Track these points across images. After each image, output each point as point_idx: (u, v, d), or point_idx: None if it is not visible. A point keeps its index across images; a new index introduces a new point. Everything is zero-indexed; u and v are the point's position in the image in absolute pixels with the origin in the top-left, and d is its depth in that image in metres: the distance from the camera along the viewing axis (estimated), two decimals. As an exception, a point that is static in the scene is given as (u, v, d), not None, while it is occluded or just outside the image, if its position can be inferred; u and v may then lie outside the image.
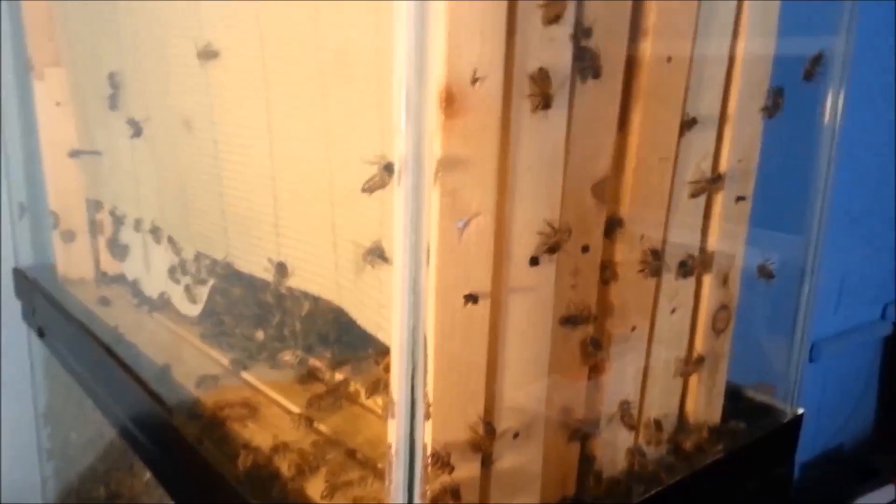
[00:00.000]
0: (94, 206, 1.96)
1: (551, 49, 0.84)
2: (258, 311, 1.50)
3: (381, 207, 0.96)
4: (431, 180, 0.71)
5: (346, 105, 1.00)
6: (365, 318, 1.04)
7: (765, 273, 1.25)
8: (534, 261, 0.90)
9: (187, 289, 1.61)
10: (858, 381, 2.44)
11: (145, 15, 1.38)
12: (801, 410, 1.34)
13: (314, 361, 1.42)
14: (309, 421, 1.24)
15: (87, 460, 1.90)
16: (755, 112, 1.17)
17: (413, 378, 0.72)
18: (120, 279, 1.96)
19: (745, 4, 1.07)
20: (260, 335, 1.50)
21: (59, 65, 1.87)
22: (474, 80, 0.75)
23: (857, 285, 2.27)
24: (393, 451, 0.75)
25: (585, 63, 0.88)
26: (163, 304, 1.73)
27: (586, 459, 1.09)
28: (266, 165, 1.19)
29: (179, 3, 1.23)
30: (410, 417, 0.73)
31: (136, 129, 1.49)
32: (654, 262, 1.07)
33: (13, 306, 2.09)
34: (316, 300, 1.42)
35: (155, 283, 1.76)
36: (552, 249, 0.89)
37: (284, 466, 1.10)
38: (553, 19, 0.79)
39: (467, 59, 0.75)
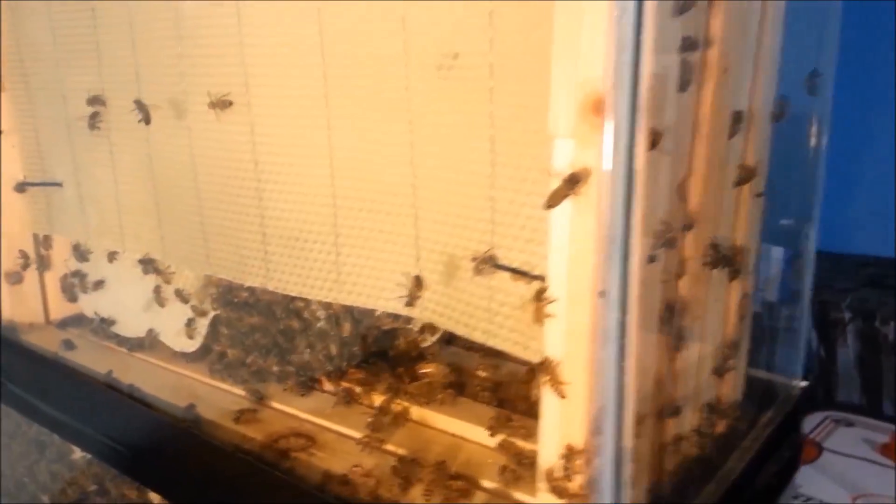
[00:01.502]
0: (44, 243, 1.79)
1: (665, 60, 0.90)
2: (280, 338, 1.44)
3: (489, 216, 0.98)
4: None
5: (443, 113, 1.00)
6: (468, 328, 1.04)
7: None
8: (651, 258, 0.95)
9: (189, 322, 1.52)
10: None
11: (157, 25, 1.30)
12: (804, 383, 1.48)
13: (350, 383, 1.39)
14: (379, 442, 1.21)
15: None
16: (768, 115, 1.30)
17: (621, 391, 0.75)
18: (76, 321, 1.80)
19: (769, 5, 1.18)
20: (282, 362, 1.44)
21: (2, 89, 1.70)
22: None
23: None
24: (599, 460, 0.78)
25: (686, 76, 0.95)
26: (150, 343, 1.61)
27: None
28: (326, 184, 1.16)
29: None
30: (618, 427, 0.76)
31: (145, 115, 1.38)
32: (715, 255, 1.16)
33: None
34: (357, 321, 1.40)
35: (136, 320, 1.63)
36: (669, 244, 0.95)
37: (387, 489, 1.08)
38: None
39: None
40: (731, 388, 1.38)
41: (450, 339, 1.50)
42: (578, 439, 0.86)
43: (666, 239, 0.95)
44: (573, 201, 0.80)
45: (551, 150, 0.80)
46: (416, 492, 1.08)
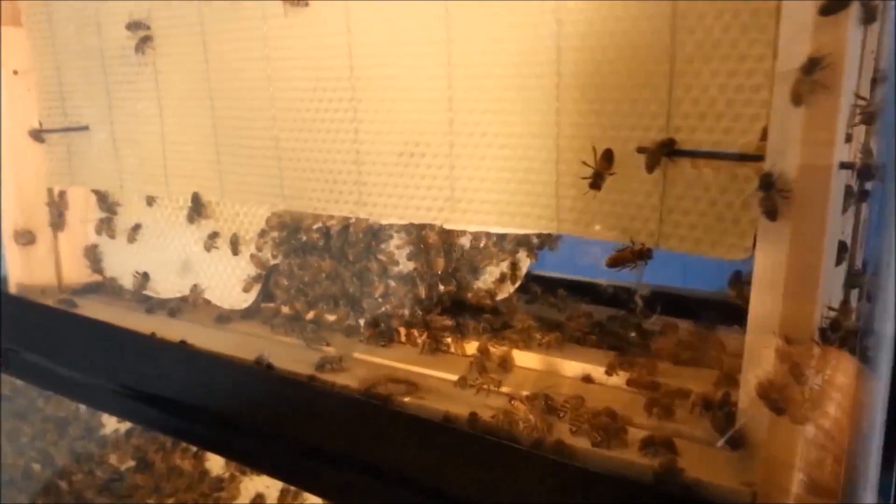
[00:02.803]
0: (59, 200, 1.60)
1: None
2: (353, 284, 1.29)
3: (661, 96, 0.87)
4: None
5: None
6: (627, 232, 0.92)
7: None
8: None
9: (246, 275, 1.35)
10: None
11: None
12: None
13: (436, 331, 1.24)
14: (496, 384, 1.07)
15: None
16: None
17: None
18: (92, 287, 1.60)
19: None
20: (356, 311, 1.29)
21: (18, 24, 1.52)
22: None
23: None
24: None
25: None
26: (193, 302, 1.43)
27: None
28: (441, 86, 1.03)
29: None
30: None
31: None
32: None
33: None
34: (449, 255, 1.26)
35: (176, 277, 1.45)
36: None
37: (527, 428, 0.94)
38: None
39: None
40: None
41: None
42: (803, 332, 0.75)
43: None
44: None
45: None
46: (561, 428, 0.94)
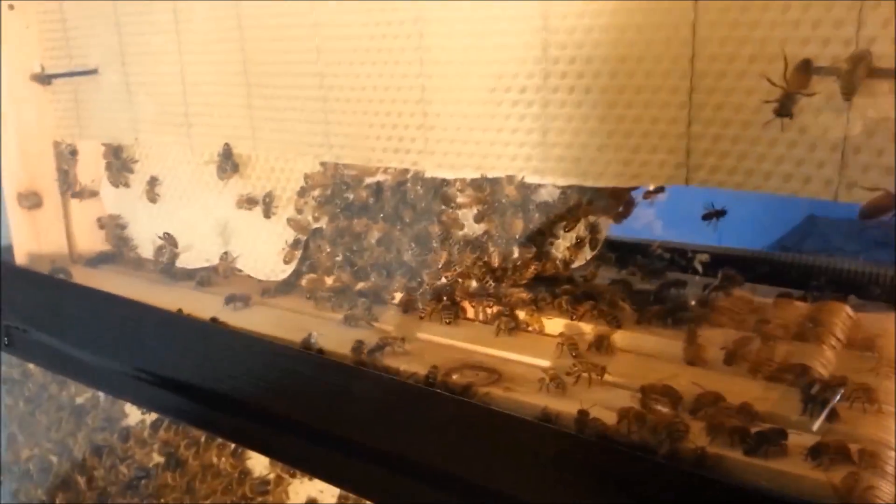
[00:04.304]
0: (68, 156, 1.40)
1: None
2: (412, 251, 1.09)
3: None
4: None
5: None
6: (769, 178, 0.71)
7: None
8: None
9: (286, 241, 1.15)
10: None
11: None
12: None
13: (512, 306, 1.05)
14: (599, 371, 0.87)
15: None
16: None
17: None
18: (108, 256, 1.41)
19: None
20: (415, 282, 1.10)
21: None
22: None
23: None
24: None
25: None
26: (224, 272, 1.24)
27: None
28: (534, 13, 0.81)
29: None
30: None
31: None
32: None
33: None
34: (528, 217, 1.05)
35: (203, 245, 1.26)
36: None
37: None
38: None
39: None
40: None
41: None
42: None
43: None
44: None
45: None
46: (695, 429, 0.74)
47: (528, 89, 0.85)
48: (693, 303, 1.05)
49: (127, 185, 1.33)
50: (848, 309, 0.98)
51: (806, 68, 0.64)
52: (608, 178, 0.84)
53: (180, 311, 1.10)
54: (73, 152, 1.40)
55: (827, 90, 0.66)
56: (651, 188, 0.98)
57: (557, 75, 0.83)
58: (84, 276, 1.32)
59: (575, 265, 1.19)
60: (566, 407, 0.79)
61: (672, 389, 0.81)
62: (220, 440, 1.12)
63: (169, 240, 1.26)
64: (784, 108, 0.65)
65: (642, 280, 1.20)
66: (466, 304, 1.09)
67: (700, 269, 1.20)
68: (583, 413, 0.77)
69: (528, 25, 0.83)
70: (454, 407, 0.85)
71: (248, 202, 1.18)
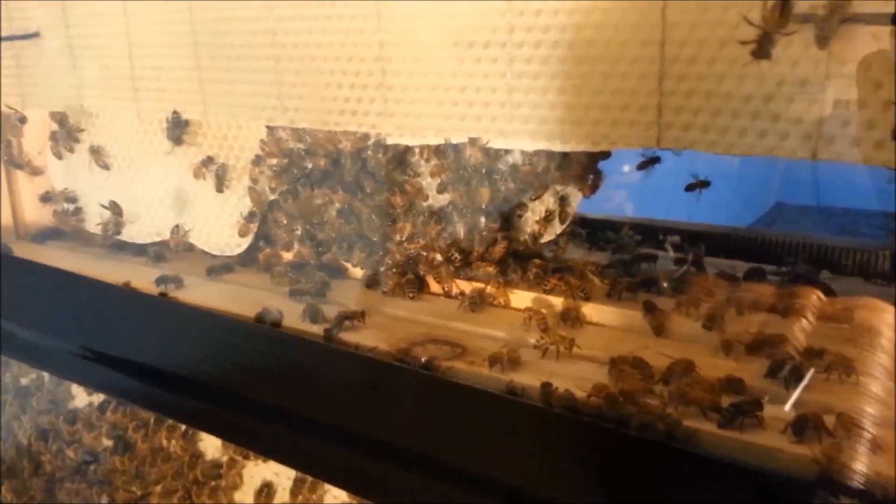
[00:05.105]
0: (12, 126, 1.32)
1: None
2: (374, 222, 1.04)
3: None
4: None
5: None
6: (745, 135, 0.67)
7: None
8: None
9: (242, 213, 1.09)
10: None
11: None
12: None
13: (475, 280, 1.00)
14: (571, 344, 0.83)
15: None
16: None
17: None
18: (56, 232, 1.34)
19: None
20: (377, 254, 1.04)
21: None
22: None
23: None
24: None
25: None
26: (176, 245, 1.17)
27: None
28: None
29: None
30: None
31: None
32: None
33: None
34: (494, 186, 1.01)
35: (153, 218, 1.19)
36: None
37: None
38: None
39: None
40: None
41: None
42: None
43: None
44: None
45: None
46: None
47: (491, 44, 0.80)
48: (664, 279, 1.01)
49: (71, 151, 1.26)
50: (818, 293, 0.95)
51: (784, 7, 0.60)
52: (577, 140, 0.79)
53: (127, 283, 1.04)
54: (21, 120, 1.32)
55: (803, 39, 0.62)
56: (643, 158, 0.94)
57: (523, 28, 0.78)
58: (28, 252, 1.25)
59: (544, 240, 1.15)
60: (531, 381, 0.76)
61: (642, 361, 0.77)
62: (170, 422, 1.06)
63: (114, 208, 1.19)
64: (762, 50, 0.60)
65: (612, 256, 1.16)
66: (430, 279, 1.04)
67: (671, 247, 1.17)
68: (546, 385, 0.73)
69: None
70: (417, 381, 0.80)
71: (205, 166, 1.11)
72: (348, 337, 0.89)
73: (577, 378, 0.76)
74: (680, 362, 0.75)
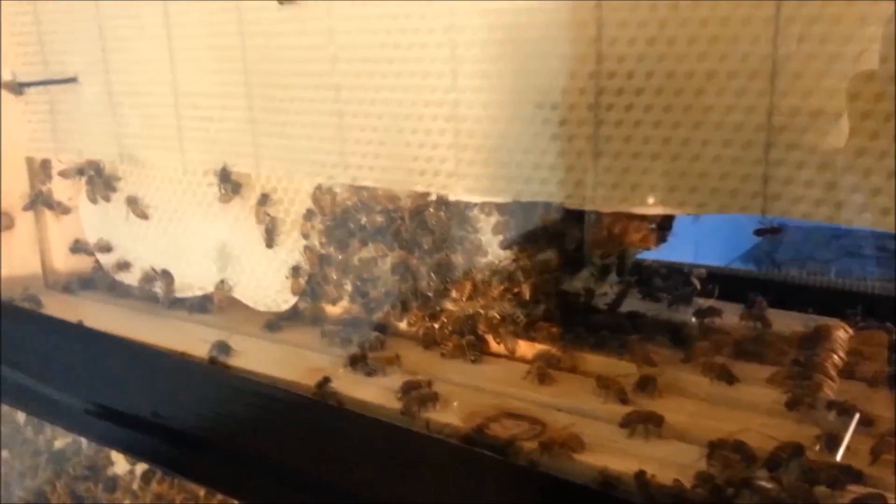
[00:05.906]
0: (42, 172, 1.28)
1: None
2: (432, 280, 0.99)
3: None
4: None
5: None
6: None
7: None
8: None
9: (290, 269, 1.04)
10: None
11: None
12: None
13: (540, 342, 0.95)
14: (660, 422, 0.78)
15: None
16: None
17: None
18: (89, 281, 1.29)
19: None
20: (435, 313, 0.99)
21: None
22: None
23: None
24: None
25: None
26: (219, 303, 1.12)
27: None
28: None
29: None
30: None
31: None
32: None
33: None
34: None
35: (195, 271, 1.14)
36: None
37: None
38: None
39: None
40: None
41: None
42: None
43: None
44: None
45: None
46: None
47: (577, 106, 0.76)
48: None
49: (107, 200, 1.21)
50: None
51: None
52: (676, 205, 0.75)
53: (182, 352, 0.99)
54: (47, 169, 1.27)
55: None
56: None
57: (612, 92, 0.74)
58: (59, 304, 1.20)
59: (600, 293, 1.11)
60: (619, 465, 0.70)
61: (744, 444, 0.72)
62: (220, 496, 1.01)
63: (165, 277, 1.14)
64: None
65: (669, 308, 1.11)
66: (489, 338, 0.99)
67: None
68: (641, 474, 0.68)
69: (581, 34, 0.73)
70: (489, 467, 0.74)
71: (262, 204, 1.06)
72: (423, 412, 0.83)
73: (662, 461, 0.71)
74: (786, 446, 0.71)
